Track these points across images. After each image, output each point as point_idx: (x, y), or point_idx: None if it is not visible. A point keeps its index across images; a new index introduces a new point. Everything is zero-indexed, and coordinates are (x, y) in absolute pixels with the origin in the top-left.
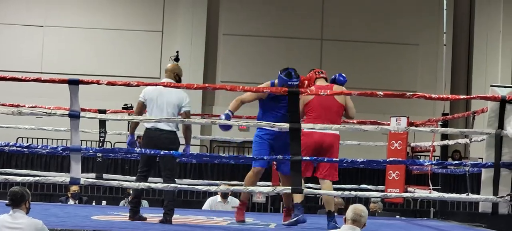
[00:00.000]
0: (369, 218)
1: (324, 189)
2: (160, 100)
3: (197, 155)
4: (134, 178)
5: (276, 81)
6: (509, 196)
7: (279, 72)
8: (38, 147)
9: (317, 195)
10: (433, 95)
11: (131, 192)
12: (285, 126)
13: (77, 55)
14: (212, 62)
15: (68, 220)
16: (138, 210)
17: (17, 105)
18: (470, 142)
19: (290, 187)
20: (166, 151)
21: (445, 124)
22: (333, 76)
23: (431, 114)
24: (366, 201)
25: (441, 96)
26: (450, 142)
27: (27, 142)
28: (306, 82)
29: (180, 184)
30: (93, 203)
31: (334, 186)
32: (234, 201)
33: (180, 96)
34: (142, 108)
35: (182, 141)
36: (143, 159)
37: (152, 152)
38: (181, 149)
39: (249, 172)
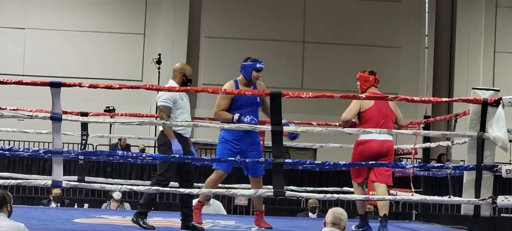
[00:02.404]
0: (352, 221)
1: (379, 193)
2: None
3: (179, 157)
4: (116, 180)
5: (240, 77)
6: (490, 199)
7: (243, 62)
8: (20, 150)
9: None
10: (415, 98)
11: (113, 195)
12: (268, 128)
13: (59, 57)
14: (194, 65)
15: (50, 223)
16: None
17: None
18: (452, 144)
19: (272, 190)
20: (150, 154)
21: (427, 127)
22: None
23: (413, 117)
24: (348, 204)
25: (423, 99)
26: (432, 145)
27: (9, 145)
28: (358, 82)
29: (162, 187)
30: (75, 206)
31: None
32: (216, 204)
33: (159, 93)
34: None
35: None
36: None
37: (134, 155)
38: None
39: (213, 174)
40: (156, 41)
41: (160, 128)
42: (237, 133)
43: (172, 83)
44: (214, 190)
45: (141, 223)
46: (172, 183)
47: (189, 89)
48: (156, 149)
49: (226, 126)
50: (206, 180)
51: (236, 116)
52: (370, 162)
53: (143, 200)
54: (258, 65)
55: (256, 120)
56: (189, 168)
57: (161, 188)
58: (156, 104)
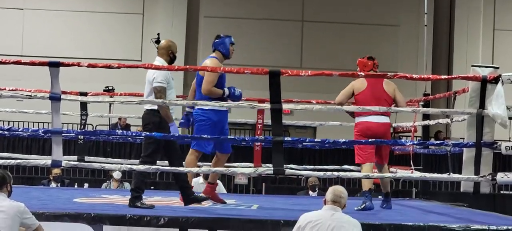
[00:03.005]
0: (352, 199)
1: (385, 172)
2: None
3: (178, 136)
4: (116, 160)
5: (217, 54)
6: (490, 175)
7: (219, 39)
8: (19, 130)
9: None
10: (414, 76)
11: (113, 174)
12: (267, 106)
13: (57, 38)
14: (193, 45)
15: (50, 203)
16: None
17: None
18: (452, 122)
19: (272, 168)
20: (138, 132)
21: (426, 104)
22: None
23: (412, 95)
24: (348, 182)
25: (422, 76)
26: (432, 122)
27: (8, 125)
28: (358, 68)
29: (162, 166)
30: (75, 186)
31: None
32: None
33: (150, 73)
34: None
35: None
36: None
37: (133, 134)
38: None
39: (190, 155)
40: (155, 21)
41: (147, 108)
42: (225, 112)
43: (160, 61)
44: (214, 168)
45: (139, 205)
46: (162, 162)
47: (188, 68)
48: (144, 128)
49: (226, 104)
50: (186, 161)
51: (227, 91)
52: (369, 140)
53: (134, 185)
54: (232, 39)
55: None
56: (176, 146)
57: (151, 167)
58: (153, 86)
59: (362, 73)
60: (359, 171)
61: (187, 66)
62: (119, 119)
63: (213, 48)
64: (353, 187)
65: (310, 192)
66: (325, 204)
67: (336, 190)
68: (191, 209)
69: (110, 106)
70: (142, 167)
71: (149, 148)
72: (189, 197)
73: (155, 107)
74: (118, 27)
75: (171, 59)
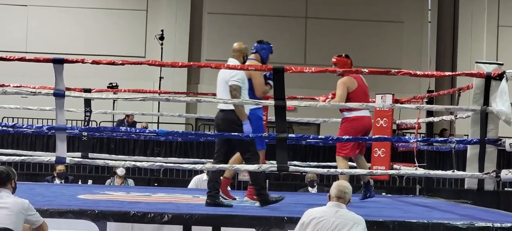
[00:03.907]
0: (355, 195)
1: (363, 162)
2: (218, 80)
3: (182, 133)
4: (119, 157)
5: (254, 56)
6: (494, 173)
7: (263, 44)
8: (24, 126)
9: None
10: (418, 72)
11: (117, 171)
12: (271, 103)
13: (61, 34)
14: (197, 41)
15: (55, 199)
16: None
17: (2, 85)
18: (456, 118)
19: (276, 165)
20: (153, 130)
21: (430, 101)
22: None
23: (416, 92)
24: (351, 178)
25: (426, 73)
26: (436, 119)
27: (12, 122)
28: (337, 65)
29: (165, 163)
30: (79, 182)
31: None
32: None
33: (227, 72)
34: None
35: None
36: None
37: (137, 131)
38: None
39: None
40: (159, 17)
41: (227, 108)
42: (261, 108)
43: (234, 62)
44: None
45: (269, 199)
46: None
47: (192, 65)
48: (228, 128)
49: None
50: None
51: (271, 82)
52: (386, 137)
53: (253, 181)
54: (272, 49)
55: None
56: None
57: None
58: (229, 84)
59: (366, 70)
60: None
61: (191, 63)
62: (127, 115)
63: (254, 50)
64: (357, 183)
65: (309, 188)
66: (329, 200)
67: (340, 185)
68: (195, 206)
69: (114, 103)
70: (254, 166)
71: (251, 146)
72: (265, 198)
73: (226, 107)
74: (122, 23)
75: (244, 61)
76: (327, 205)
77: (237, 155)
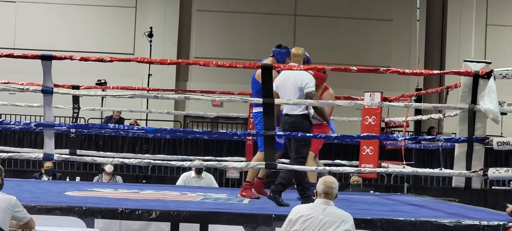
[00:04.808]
0: (343, 193)
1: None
2: (287, 84)
3: (170, 130)
4: (108, 153)
5: (270, 59)
6: (482, 171)
7: (281, 48)
8: (11, 123)
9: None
10: (406, 71)
11: (105, 168)
12: (259, 100)
13: (50, 31)
14: (186, 38)
15: (42, 196)
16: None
17: None
18: (444, 117)
19: (264, 162)
20: (142, 127)
21: (418, 99)
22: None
23: (404, 90)
24: (340, 176)
25: (414, 71)
26: (424, 117)
27: (0, 118)
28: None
29: (154, 160)
30: (67, 179)
31: None
32: (208, 177)
33: (300, 79)
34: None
35: None
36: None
37: (125, 128)
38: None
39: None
40: (148, 14)
41: (299, 112)
42: None
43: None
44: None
45: (280, 200)
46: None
47: (180, 62)
48: (295, 131)
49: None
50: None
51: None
52: (374, 135)
53: (282, 180)
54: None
55: None
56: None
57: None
58: (305, 91)
59: (355, 68)
60: (355, 166)
61: (180, 60)
62: (113, 112)
63: (271, 54)
64: (345, 181)
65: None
66: (316, 196)
67: (327, 181)
68: (183, 203)
69: (102, 99)
70: (298, 167)
71: (304, 150)
72: (307, 194)
73: (306, 111)
74: (110, 20)
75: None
76: (315, 202)
77: (258, 155)
